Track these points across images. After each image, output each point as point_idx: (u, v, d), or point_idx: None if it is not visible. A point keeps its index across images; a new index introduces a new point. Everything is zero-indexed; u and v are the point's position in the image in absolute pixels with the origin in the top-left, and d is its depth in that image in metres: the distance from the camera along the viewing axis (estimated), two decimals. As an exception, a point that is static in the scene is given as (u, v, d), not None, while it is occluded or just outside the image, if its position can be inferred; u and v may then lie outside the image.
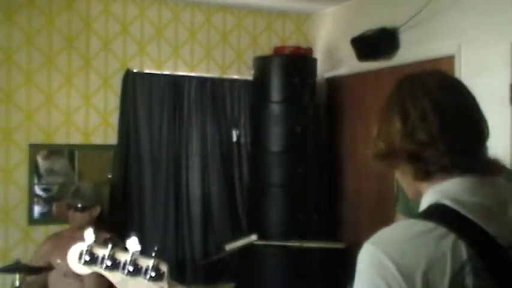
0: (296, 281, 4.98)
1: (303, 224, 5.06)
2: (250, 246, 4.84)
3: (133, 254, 1.51)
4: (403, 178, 1.37)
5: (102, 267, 1.51)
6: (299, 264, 4.99)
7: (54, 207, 5.08)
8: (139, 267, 1.51)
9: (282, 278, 5.04)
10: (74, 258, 1.52)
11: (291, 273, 5.01)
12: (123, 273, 1.51)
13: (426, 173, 1.29)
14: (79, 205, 3.90)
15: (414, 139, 1.28)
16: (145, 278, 1.51)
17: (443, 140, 1.26)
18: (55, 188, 5.15)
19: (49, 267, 3.82)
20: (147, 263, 1.52)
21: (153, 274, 1.51)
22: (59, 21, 5.06)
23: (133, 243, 1.51)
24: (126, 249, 1.51)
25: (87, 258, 1.50)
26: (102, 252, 1.52)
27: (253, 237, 4.83)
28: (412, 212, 2.91)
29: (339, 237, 5.41)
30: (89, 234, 1.51)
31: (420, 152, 1.28)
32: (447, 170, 1.27)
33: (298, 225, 5.06)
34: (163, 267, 1.52)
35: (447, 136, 1.27)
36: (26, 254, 4.73)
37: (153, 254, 1.52)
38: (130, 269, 1.50)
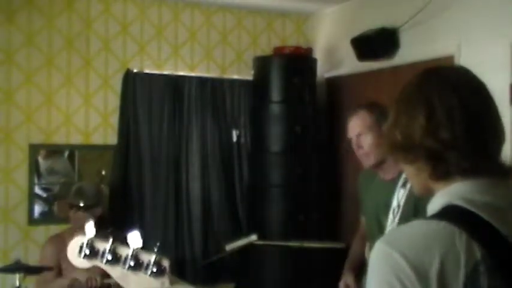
0: (296, 281, 4.97)
1: (303, 224, 5.06)
2: (250, 246, 4.84)
3: (134, 248, 1.49)
4: (416, 174, 1.33)
5: (102, 261, 1.50)
6: (299, 264, 4.98)
7: (55, 206, 5.07)
8: (140, 262, 1.50)
9: (282, 278, 5.03)
10: (74, 252, 1.51)
11: (291, 273, 5.00)
12: (124, 268, 1.50)
13: (445, 174, 1.27)
14: (81, 204, 3.89)
15: (437, 137, 1.24)
16: (146, 273, 1.50)
17: (467, 141, 1.24)
18: (56, 188, 5.14)
19: (49, 267, 3.81)
20: (149, 258, 1.50)
21: (154, 269, 1.49)
22: (59, 21, 5.06)
23: (134, 238, 1.49)
24: (127, 244, 1.50)
25: (88, 252, 1.49)
26: (103, 246, 1.51)
27: (253, 237, 4.82)
28: (379, 218, 2.92)
29: (339, 237, 5.39)
30: (90, 227, 1.50)
31: (442, 152, 1.25)
32: (466, 172, 1.25)
33: (298, 225, 5.06)
34: (165, 263, 1.51)
35: (471, 138, 1.25)
36: (26, 254, 4.73)
37: (155, 250, 1.51)
38: (132, 263, 1.49)
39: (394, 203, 2.69)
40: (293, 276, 4.99)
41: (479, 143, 1.26)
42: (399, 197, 2.66)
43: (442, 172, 1.27)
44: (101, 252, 1.50)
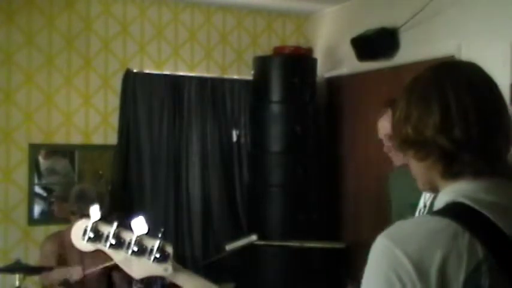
0: (296, 281, 4.97)
1: (303, 224, 5.05)
2: (250, 246, 4.83)
3: (138, 234, 1.49)
4: (424, 170, 1.30)
5: (106, 245, 1.50)
6: (299, 264, 4.99)
7: (55, 207, 5.07)
8: (144, 247, 1.49)
9: (282, 278, 5.03)
10: (78, 235, 1.51)
11: (291, 273, 5.00)
12: (127, 253, 1.49)
13: (457, 174, 1.25)
14: (85, 213, 3.84)
15: (451, 136, 1.21)
16: (149, 259, 1.50)
17: (481, 141, 1.22)
18: (57, 188, 5.15)
19: (49, 267, 3.80)
20: (153, 243, 1.50)
21: (158, 255, 1.49)
22: (59, 21, 5.06)
23: (139, 224, 1.49)
24: (131, 229, 1.50)
25: (92, 235, 1.48)
26: (107, 230, 1.50)
27: (253, 237, 4.81)
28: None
29: (339, 237, 5.40)
30: (95, 211, 1.49)
31: (455, 151, 1.22)
32: (478, 172, 1.23)
33: (298, 225, 5.05)
34: (169, 249, 1.50)
35: (485, 138, 1.22)
36: (26, 254, 4.73)
37: (159, 235, 1.51)
38: (135, 249, 1.48)
39: (421, 204, 2.67)
40: (293, 276, 4.99)
41: (492, 143, 1.24)
42: (426, 197, 2.65)
43: (454, 172, 1.25)
44: (104, 236, 1.50)
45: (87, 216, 3.83)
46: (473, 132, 1.21)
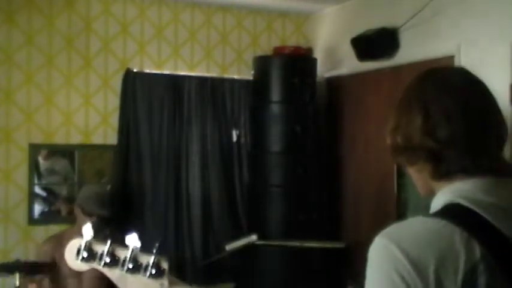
0: (296, 281, 4.98)
1: (303, 224, 5.05)
2: (250, 246, 4.84)
3: (133, 250, 1.49)
4: (418, 175, 1.34)
5: (100, 264, 1.49)
6: (299, 264, 4.99)
7: (62, 208, 5.07)
8: (139, 263, 1.49)
9: (282, 278, 5.04)
10: (72, 255, 1.51)
11: (291, 273, 5.00)
12: (123, 270, 1.49)
13: (446, 173, 1.27)
14: (98, 213, 3.83)
15: (435, 137, 1.25)
16: (145, 275, 1.50)
17: (466, 139, 1.24)
18: (58, 189, 5.15)
19: (49, 266, 3.80)
20: (148, 259, 1.50)
21: (153, 271, 1.48)
22: (59, 21, 5.06)
23: (133, 240, 1.49)
24: (126, 245, 1.50)
25: (85, 254, 1.48)
26: (101, 248, 1.50)
27: (253, 237, 4.82)
28: None
29: (339, 237, 5.40)
30: (87, 229, 1.49)
31: (441, 151, 1.25)
32: (468, 171, 1.25)
33: (298, 225, 5.05)
34: (164, 264, 1.50)
35: (470, 136, 1.25)
36: (26, 254, 4.72)
37: (154, 251, 1.51)
38: (130, 265, 1.48)
39: None
40: (293, 276, 4.99)
41: (479, 142, 1.26)
42: None
43: (442, 171, 1.27)
44: (99, 255, 1.49)
45: (97, 216, 3.81)
46: (458, 132, 1.24)
